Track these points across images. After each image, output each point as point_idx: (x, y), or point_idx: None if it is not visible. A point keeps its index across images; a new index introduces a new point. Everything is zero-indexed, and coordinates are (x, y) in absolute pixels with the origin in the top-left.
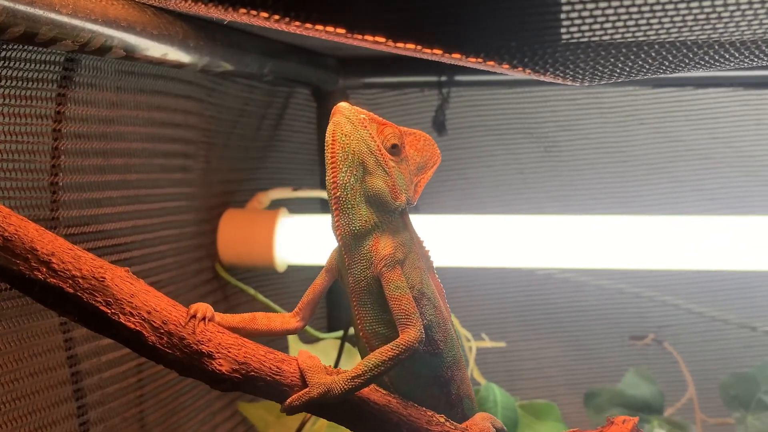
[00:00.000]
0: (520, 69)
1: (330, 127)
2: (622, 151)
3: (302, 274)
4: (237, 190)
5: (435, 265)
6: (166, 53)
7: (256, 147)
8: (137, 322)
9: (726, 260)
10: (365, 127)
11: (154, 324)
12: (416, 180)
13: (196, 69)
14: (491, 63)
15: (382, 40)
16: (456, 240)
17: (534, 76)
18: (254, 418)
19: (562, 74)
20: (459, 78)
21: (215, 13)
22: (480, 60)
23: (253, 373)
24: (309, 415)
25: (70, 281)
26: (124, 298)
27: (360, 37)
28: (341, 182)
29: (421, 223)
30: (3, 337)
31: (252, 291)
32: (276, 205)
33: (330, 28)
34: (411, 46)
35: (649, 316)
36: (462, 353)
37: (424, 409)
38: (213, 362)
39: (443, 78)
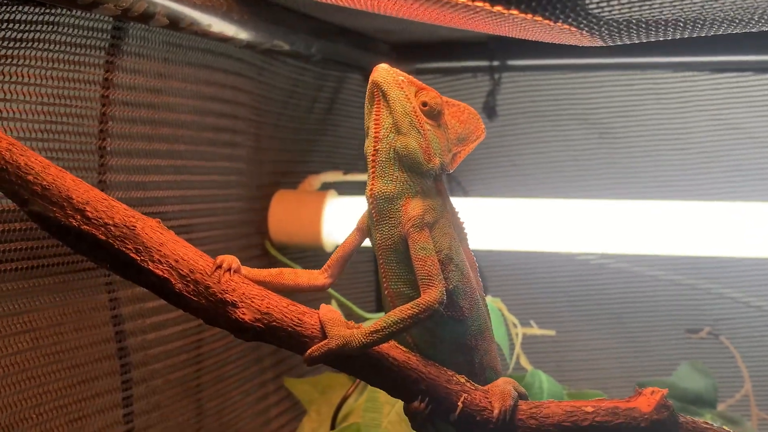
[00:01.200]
0: (529, 15)
1: (369, 87)
2: (680, 137)
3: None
4: (289, 172)
5: (483, 247)
6: (209, 24)
7: (308, 129)
8: (165, 269)
9: None
10: (401, 88)
11: (182, 272)
12: (456, 150)
13: (241, 44)
14: (498, 8)
15: None
16: (507, 223)
17: (545, 22)
18: (300, 393)
19: (575, 23)
20: (512, 63)
21: None
22: (486, 5)
23: (275, 323)
24: (351, 390)
25: (103, 228)
26: (154, 246)
27: None
28: (380, 138)
29: (471, 206)
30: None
31: (299, 268)
32: (327, 188)
33: None
34: None
35: (705, 308)
36: (491, 326)
37: (445, 369)
38: (237, 311)
39: (495, 63)
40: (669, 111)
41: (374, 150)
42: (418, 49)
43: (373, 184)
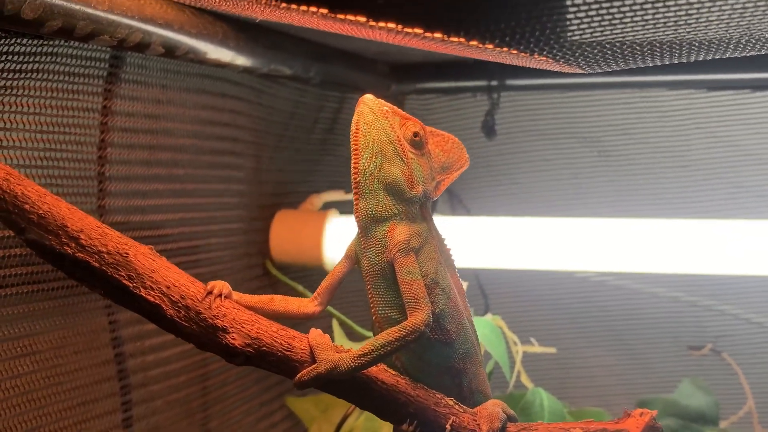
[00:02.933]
0: (505, 49)
1: (354, 117)
2: (679, 155)
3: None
4: (290, 192)
5: (485, 266)
6: (206, 52)
7: (310, 150)
8: (157, 295)
9: None
10: (386, 117)
11: (173, 298)
12: (439, 178)
13: (238, 69)
14: (473, 42)
15: (363, 19)
16: (508, 242)
17: (522, 54)
18: (301, 412)
19: (551, 55)
20: (510, 82)
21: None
22: (462, 39)
23: (265, 348)
24: (351, 409)
25: (96, 256)
26: (146, 273)
27: (342, 17)
28: (361, 168)
29: (472, 225)
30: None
31: (301, 288)
32: (329, 207)
33: (313, 8)
34: (392, 25)
35: (706, 325)
36: (479, 350)
37: (433, 391)
38: (227, 336)
39: (494, 83)
40: (668, 129)
41: (356, 179)
42: (417, 70)
43: (357, 205)
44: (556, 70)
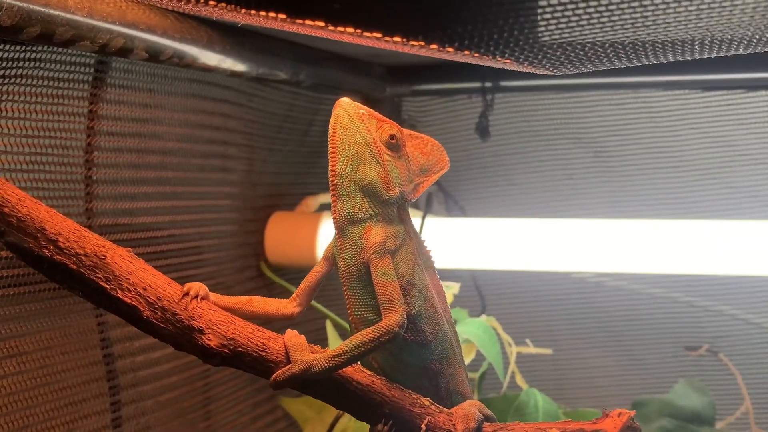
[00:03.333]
0: (467, 53)
1: (331, 120)
2: (673, 155)
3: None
4: (286, 194)
5: (480, 267)
6: (191, 56)
7: (305, 152)
8: (133, 297)
9: None
10: (362, 120)
11: (149, 299)
12: (418, 180)
13: (225, 73)
14: (433, 46)
15: (322, 24)
16: (503, 243)
17: (485, 57)
18: (295, 413)
19: (513, 58)
20: (504, 83)
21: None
22: (421, 43)
23: (240, 349)
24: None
25: (74, 258)
26: (122, 275)
27: (300, 21)
28: (339, 170)
29: (468, 226)
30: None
31: (295, 289)
32: (325, 208)
33: (272, 14)
34: (350, 29)
35: (703, 325)
36: (458, 352)
37: (409, 391)
38: (203, 337)
39: (488, 84)
40: (662, 129)
41: (333, 181)
42: (412, 71)
43: (334, 206)
44: (524, 71)
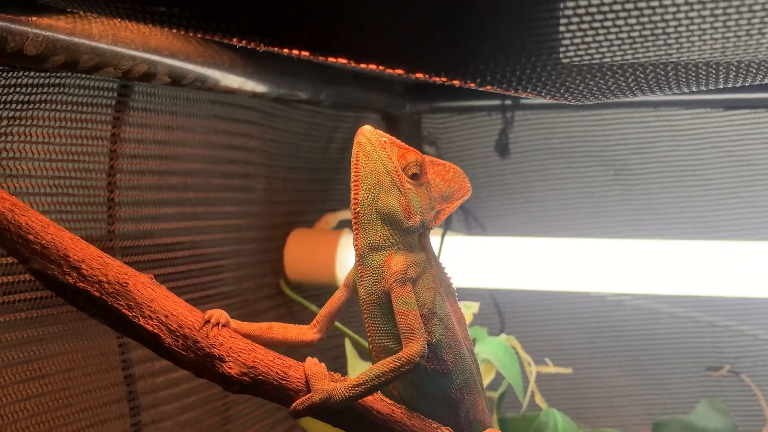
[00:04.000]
0: (489, 87)
1: (353, 148)
2: (696, 174)
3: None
4: (305, 211)
5: (500, 286)
6: (213, 79)
7: (325, 169)
8: (155, 324)
9: None
10: (384, 149)
11: (171, 327)
12: (439, 207)
13: (247, 95)
14: (456, 82)
15: (344, 61)
16: (523, 262)
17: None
18: None
19: (537, 93)
20: (524, 101)
21: (195, 33)
22: (444, 79)
23: (261, 377)
24: None
25: (97, 285)
26: (144, 302)
27: (323, 58)
28: (361, 199)
29: (488, 245)
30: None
31: (314, 308)
32: (344, 225)
33: (295, 51)
34: (373, 66)
35: (725, 346)
36: (478, 380)
37: (430, 420)
38: (224, 365)
39: (507, 102)
40: (684, 147)
41: (355, 209)
42: (432, 89)
43: (356, 234)
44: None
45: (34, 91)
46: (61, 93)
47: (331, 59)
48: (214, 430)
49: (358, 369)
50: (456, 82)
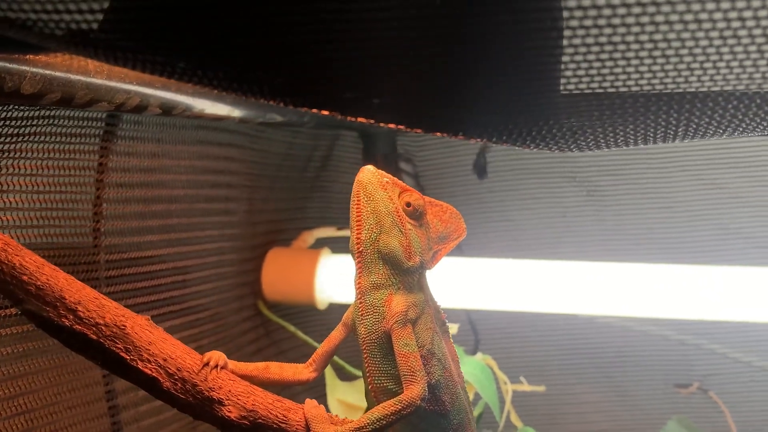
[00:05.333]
0: (504, 143)
1: (354, 188)
2: (666, 197)
3: (343, 312)
4: (283, 229)
5: (476, 306)
6: (202, 108)
7: (302, 188)
8: (153, 368)
9: None
10: (385, 189)
11: (169, 370)
12: (437, 248)
13: (235, 121)
14: (460, 137)
15: (372, 121)
16: (498, 283)
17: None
18: None
19: (547, 147)
20: None
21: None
22: (444, 134)
23: (260, 421)
24: None
25: (94, 328)
26: (143, 346)
27: (352, 118)
28: (362, 239)
29: (463, 266)
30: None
31: (292, 328)
32: (321, 243)
33: (325, 112)
34: (393, 126)
35: (694, 364)
36: (472, 418)
37: None
38: (223, 408)
39: None
40: (654, 170)
41: (357, 249)
42: None
43: (359, 274)
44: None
45: (23, 123)
46: (50, 125)
47: (360, 119)
48: None
49: (337, 390)
50: (460, 137)
